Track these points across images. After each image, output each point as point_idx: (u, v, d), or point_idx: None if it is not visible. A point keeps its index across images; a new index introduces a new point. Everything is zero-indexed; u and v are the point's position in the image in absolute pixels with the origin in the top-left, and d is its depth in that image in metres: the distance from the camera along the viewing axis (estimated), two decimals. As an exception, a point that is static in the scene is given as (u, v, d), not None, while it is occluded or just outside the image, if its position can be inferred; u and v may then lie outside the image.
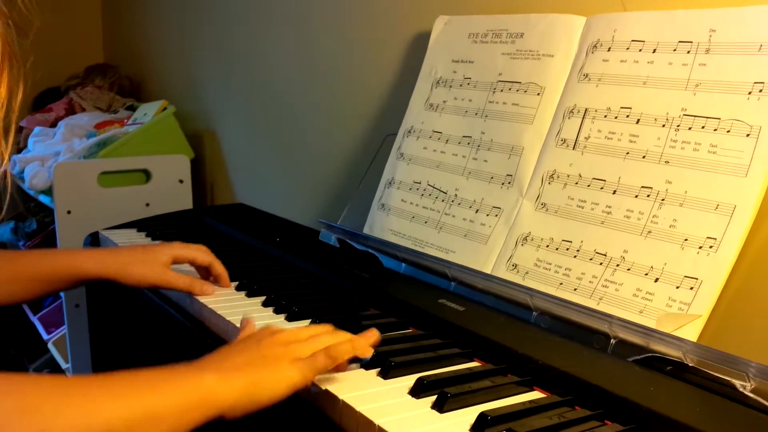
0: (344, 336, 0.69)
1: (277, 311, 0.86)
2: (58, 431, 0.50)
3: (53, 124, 2.21)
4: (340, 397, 0.62)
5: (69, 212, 1.72)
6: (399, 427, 0.57)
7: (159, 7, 2.31)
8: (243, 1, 1.78)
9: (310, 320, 0.82)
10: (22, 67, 0.60)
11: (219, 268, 0.96)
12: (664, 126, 0.79)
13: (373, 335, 0.69)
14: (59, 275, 0.91)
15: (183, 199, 1.87)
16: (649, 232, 0.77)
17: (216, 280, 0.96)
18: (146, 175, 1.84)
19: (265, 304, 0.88)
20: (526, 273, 0.87)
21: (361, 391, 0.63)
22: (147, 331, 1.07)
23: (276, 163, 1.70)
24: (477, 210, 0.96)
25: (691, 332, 0.70)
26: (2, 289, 0.89)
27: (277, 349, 0.65)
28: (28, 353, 2.37)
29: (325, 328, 0.71)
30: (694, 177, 0.75)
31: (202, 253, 0.96)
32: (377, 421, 0.57)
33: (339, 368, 0.67)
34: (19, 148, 2.17)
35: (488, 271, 0.90)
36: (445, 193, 1.01)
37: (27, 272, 0.90)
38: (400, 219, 1.06)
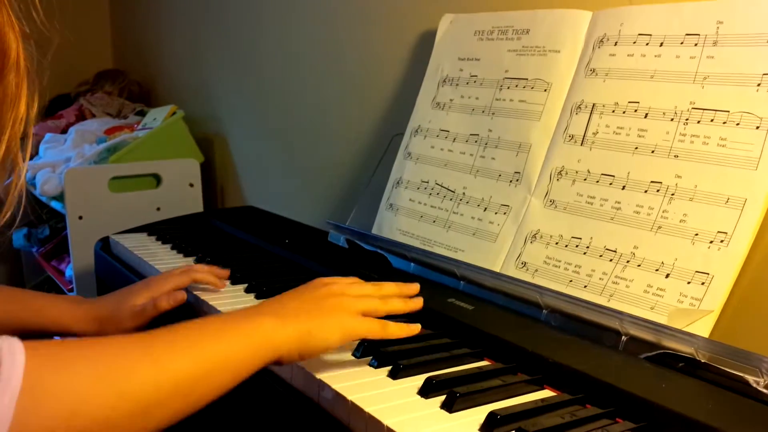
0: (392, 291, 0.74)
1: (286, 313, 0.85)
2: (132, 392, 0.52)
3: (64, 131, 2.23)
4: (349, 398, 0.61)
5: (80, 218, 1.73)
6: (408, 427, 0.56)
7: (167, 12, 2.32)
8: (250, 6, 1.78)
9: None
10: (39, 85, 0.61)
11: (204, 275, 0.95)
12: (672, 120, 0.79)
13: (414, 286, 0.75)
14: (48, 327, 0.92)
15: (193, 203, 1.87)
16: (659, 227, 0.76)
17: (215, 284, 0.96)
18: (156, 179, 1.85)
19: (274, 306, 0.88)
20: (536, 271, 0.86)
21: (370, 391, 0.63)
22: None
23: (285, 165, 1.70)
24: (485, 208, 0.95)
25: (703, 328, 0.70)
26: None
27: (332, 300, 0.68)
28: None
29: (370, 289, 0.73)
30: (704, 171, 0.75)
31: (179, 278, 0.94)
32: (386, 422, 0.57)
33: None
34: (30, 154, 2.18)
35: (497, 270, 0.90)
36: (453, 191, 1.01)
37: (18, 316, 0.91)
38: (408, 218, 1.06)
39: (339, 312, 0.67)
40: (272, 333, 0.62)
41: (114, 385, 0.52)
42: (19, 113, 0.59)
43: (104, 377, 0.52)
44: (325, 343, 0.65)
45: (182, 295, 0.91)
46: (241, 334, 0.61)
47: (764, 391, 0.60)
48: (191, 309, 0.94)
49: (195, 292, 0.93)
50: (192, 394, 0.56)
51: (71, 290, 1.92)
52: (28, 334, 0.94)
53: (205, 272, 0.95)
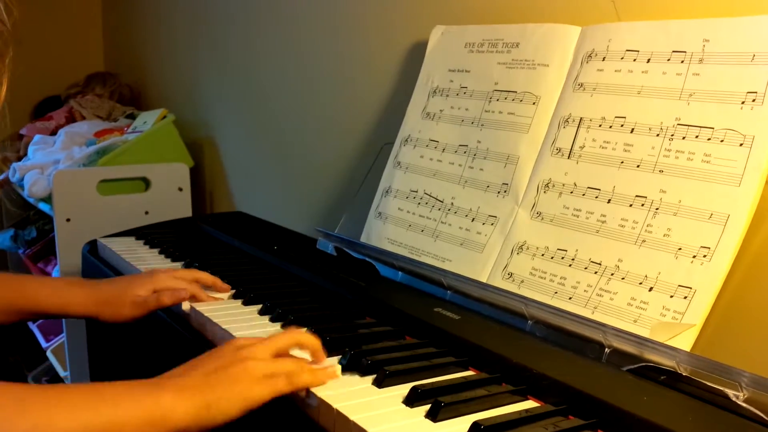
0: (304, 363, 0.69)
1: (273, 320, 0.86)
2: None
3: (53, 132, 2.22)
4: (334, 406, 0.62)
5: (68, 220, 1.72)
6: (392, 436, 0.57)
7: (159, 16, 2.32)
8: (242, 12, 1.79)
9: (305, 329, 0.81)
10: (3, 58, 0.61)
11: (208, 278, 0.96)
12: (658, 135, 0.80)
13: (333, 371, 0.68)
14: (43, 309, 0.92)
15: (182, 207, 1.87)
16: (644, 241, 0.77)
17: (212, 290, 0.96)
18: (145, 183, 1.84)
19: (261, 313, 0.88)
20: (522, 282, 0.87)
21: (355, 400, 0.63)
22: (144, 339, 1.07)
23: (275, 171, 1.70)
24: (473, 219, 0.96)
25: (684, 341, 0.70)
26: None
27: (238, 367, 0.65)
28: (27, 361, 2.37)
29: (293, 339, 0.71)
30: (688, 186, 0.76)
31: (185, 281, 0.95)
32: (371, 430, 0.57)
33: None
34: (19, 156, 2.18)
35: (484, 280, 0.91)
36: (442, 201, 1.01)
37: (14, 301, 0.91)
38: (396, 227, 1.07)
39: (242, 380, 0.63)
40: (169, 409, 0.60)
41: None
42: None
43: None
44: (224, 416, 0.62)
45: (185, 294, 0.92)
46: (136, 407, 0.58)
47: (743, 405, 0.61)
48: (174, 314, 0.94)
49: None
50: None
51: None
52: (25, 318, 0.94)
53: (209, 282, 0.96)
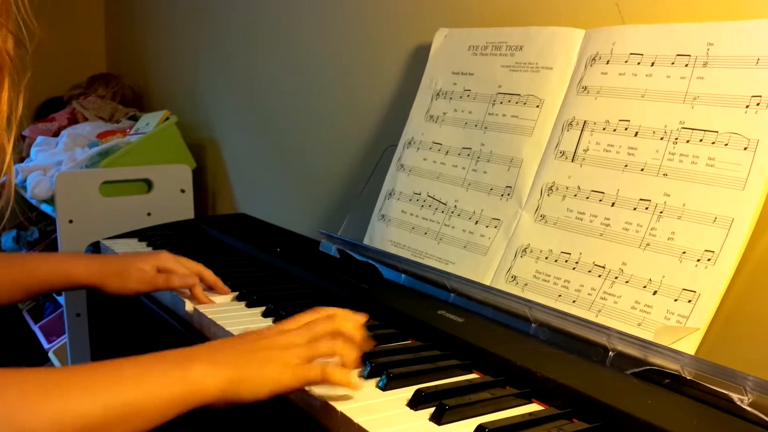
0: (347, 348, 0.67)
1: (276, 321, 0.86)
2: (32, 430, 0.50)
3: (56, 134, 2.22)
4: (339, 408, 0.62)
5: (71, 221, 1.73)
6: (397, 439, 0.57)
7: (162, 17, 2.32)
8: (244, 14, 1.79)
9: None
10: (22, 80, 0.61)
11: (210, 277, 0.96)
12: (662, 139, 0.80)
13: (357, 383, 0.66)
14: (48, 281, 0.92)
15: (185, 209, 1.87)
16: (648, 244, 0.77)
17: (211, 290, 0.96)
18: (148, 184, 1.85)
19: (264, 315, 0.89)
20: (525, 285, 0.87)
21: (359, 402, 0.63)
22: (147, 341, 1.07)
23: (278, 173, 1.70)
24: (476, 221, 0.96)
25: (688, 345, 0.70)
26: None
27: (274, 351, 0.64)
28: (29, 362, 2.37)
29: (327, 326, 0.68)
30: (692, 190, 0.76)
31: (188, 270, 0.95)
32: (375, 433, 0.57)
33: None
34: (22, 157, 2.18)
35: (487, 283, 0.91)
36: (445, 204, 1.01)
37: (17, 277, 0.91)
38: (400, 230, 1.07)
39: (276, 364, 0.63)
40: (201, 381, 0.59)
41: (15, 424, 0.50)
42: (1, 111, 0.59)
43: (7, 415, 0.50)
44: (254, 395, 0.61)
45: (194, 279, 0.92)
46: (164, 382, 0.58)
47: (748, 408, 0.61)
48: (177, 315, 0.94)
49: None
50: None
51: (59, 294, 1.91)
52: (30, 296, 0.94)
53: (210, 281, 0.97)
